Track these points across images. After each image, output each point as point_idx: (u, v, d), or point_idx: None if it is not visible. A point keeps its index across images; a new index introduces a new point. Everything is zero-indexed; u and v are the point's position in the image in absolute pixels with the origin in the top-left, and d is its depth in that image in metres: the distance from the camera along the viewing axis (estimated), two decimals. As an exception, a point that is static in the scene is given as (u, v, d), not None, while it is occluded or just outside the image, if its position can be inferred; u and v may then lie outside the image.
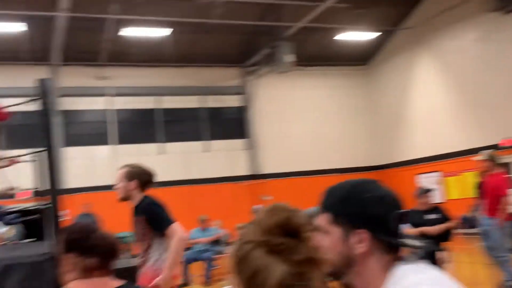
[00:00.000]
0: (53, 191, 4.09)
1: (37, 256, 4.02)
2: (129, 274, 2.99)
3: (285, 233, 0.99)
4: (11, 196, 8.01)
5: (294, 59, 15.14)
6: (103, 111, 15.98)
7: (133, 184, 3.59)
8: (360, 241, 1.20)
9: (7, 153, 4.33)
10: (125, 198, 3.63)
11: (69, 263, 1.97)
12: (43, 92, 4.24)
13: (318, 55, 17.43)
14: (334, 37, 16.56)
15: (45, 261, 3.94)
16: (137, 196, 3.60)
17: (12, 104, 4.55)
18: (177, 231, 3.43)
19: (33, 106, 4.80)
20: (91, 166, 15.26)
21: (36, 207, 8.07)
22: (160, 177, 15.47)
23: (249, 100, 17.49)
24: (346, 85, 18.58)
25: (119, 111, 16.12)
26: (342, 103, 18.48)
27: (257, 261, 0.96)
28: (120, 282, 2.03)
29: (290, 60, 15.07)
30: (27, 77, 14.08)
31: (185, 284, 9.04)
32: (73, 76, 15.19)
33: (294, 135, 17.52)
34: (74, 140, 15.14)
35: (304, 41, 15.97)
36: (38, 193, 7.59)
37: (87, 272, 1.95)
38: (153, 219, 3.48)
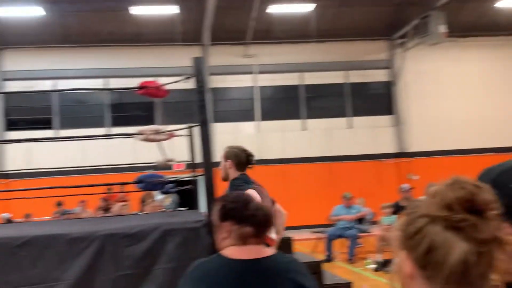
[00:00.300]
0: (206, 163, 4.29)
1: (193, 222, 4.27)
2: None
3: (468, 209, 0.88)
4: (168, 167, 8.69)
5: (446, 29, 14.12)
6: (248, 88, 16.52)
7: (229, 164, 3.74)
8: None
9: (165, 128, 4.64)
10: (225, 178, 3.81)
11: (226, 230, 2.05)
12: (197, 71, 4.43)
13: (474, 25, 16.05)
14: (494, 4, 15.09)
15: (200, 227, 4.18)
16: (233, 175, 3.75)
17: (168, 82, 4.85)
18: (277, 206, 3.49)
19: (187, 84, 5.08)
20: (237, 142, 15.92)
21: (189, 178, 8.65)
22: (302, 153, 15.69)
23: (396, 74, 16.79)
24: (506, 57, 16.89)
25: (262, 88, 16.54)
26: (500, 76, 16.86)
27: (434, 236, 0.88)
28: (272, 251, 2.07)
29: (442, 31, 14.09)
30: (180, 57, 15.15)
31: (328, 260, 9.06)
32: (220, 55, 15.90)
33: (443, 111, 16.46)
34: (221, 116, 15.91)
35: (458, 10, 14.81)
36: (191, 166, 8.09)
37: (242, 240, 2.01)
38: None
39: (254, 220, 2.00)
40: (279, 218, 3.75)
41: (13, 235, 4.18)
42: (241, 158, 3.77)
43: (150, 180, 4.37)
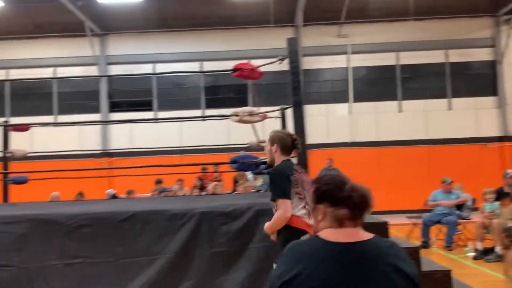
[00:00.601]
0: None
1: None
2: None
3: None
4: (260, 148, 8.81)
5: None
6: (341, 69, 16.22)
7: (274, 148, 3.70)
8: None
9: (258, 110, 4.68)
10: (271, 162, 3.78)
11: (321, 213, 2.01)
12: (291, 52, 4.42)
13: None
14: None
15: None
16: (278, 160, 3.71)
17: (262, 64, 4.87)
18: (282, 208, 3.43)
19: (280, 66, 5.08)
20: (329, 124, 15.76)
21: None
22: (397, 135, 15.16)
23: (501, 53, 15.65)
24: None
25: (356, 68, 16.16)
26: None
27: None
28: (371, 235, 2.01)
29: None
30: (273, 39, 15.18)
31: (425, 246, 8.75)
32: (313, 36, 15.73)
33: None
34: (313, 98, 15.79)
35: None
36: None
37: (338, 222, 1.97)
38: (271, 185, 3.57)
39: (349, 202, 1.95)
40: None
41: (118, 210, 4.45)
42: (287, 142, 3.72)
43: (243, 160, 4.44)
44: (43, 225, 4.24)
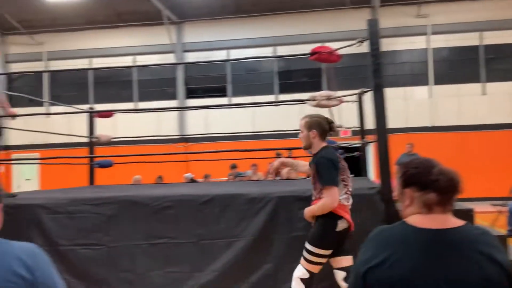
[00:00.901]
0: (380, 130, 4.18)
1: (367, 189, 4.23)
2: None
3: None
4: (336, 134, 8.70)
5: None
6: (421, 51, 15.62)
7: (312, 133, 3.67)
8: None
9: (335, 94, 4.60)
10: (307, 147, 3.76)
11: (408, 197, 1.97)
12: (372, 33, 4.30)
13: None
14: None
15: (374, 194, 4.12)
16: (317, 145, 3.69)
17: (341, 47, 4.78)
18: (330, 196, 3.48)
19: (354, 49, 4.97)
20: (407, 107, 15.27)
21: (358, 144, 8.55)
22: (481, 119, 14.44)
23: None
24: None
25: (436, 49, 15.51)
26: None
27: None
28: (462, 222, 1.93)
29: None
30: (348, 21, 14.88)
31: (511, 235, 8.32)
32: (391, 17, 15.22)
33: None
34: (391, 81, 15.34)
35: None
36: (358, 132, 7.97)
37: (426, 207, 1.91)
38: (319, 172, 3.56)
39: (437, 186, 1.88)
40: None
41: (199, 193, 4.57)
42: (325, 127, 3.72)
43: (321, 145, 4.38)
44: (130, 206, 4.44)
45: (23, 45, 16.50)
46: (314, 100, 4.42)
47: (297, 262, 4.13)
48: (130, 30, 16.71)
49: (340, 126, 6.81)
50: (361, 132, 7.75)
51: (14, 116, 5.67)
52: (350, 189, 3.69)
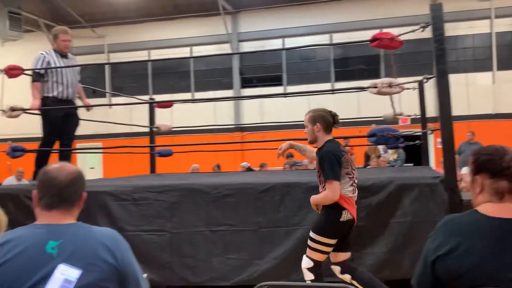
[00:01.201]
0: (444, 117, 4.08)
1: (431, 178, 4.14)
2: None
3: None
4: (395, 121, 8.53)
5: None
6: (483, 35, 14.98)
7: (317, 127, 3.74)
8: None
9: (397, 81, 4.51)
10: (312, 141, 3.83)
11: (479, 184, 1.93)
12: (435, 18, 4.18)
13: None
14: None
15: (438, 183, 4.03)
16: (322, 139, 3.76)
17: (402, 33, 4.67)
18: (331, 189, 3.56)
19: (412, 35, 4.84)
20: (469, 94, 14.72)
21: (418, 133, 8.34)
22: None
23: None
24: None
25: (500, 34, 14.83)
26: None
27: None
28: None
29: None
30: (405, 6, 14.46)
31: None
32: (452, 1, 14.65)
33: None
34: (451, 67, 14.77)
35: None
36: (418, 120, 7.78)
37: (498, 195, 1.87)
38: (322, 166, 3.64)
39: (509, 173, 1.83)
40: None
41: (258, 181, 4.62)
42: (329, 120, 3.77)
43: (383, 133, 4.32)
44: (191, 194, 4.55)
45: (85, 38, 17.07)
46: (375, 87, 4.35)
47: (358, 252, 4.12)
48: (187, 21, 16.95)
49: (401, 114, 6.68)
50: (422, 120, 7.57)
51: (90, 106, 5.94)
52: (356, 181, 3.76)
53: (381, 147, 11.12)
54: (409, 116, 7.84)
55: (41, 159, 5.37)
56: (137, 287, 1.85)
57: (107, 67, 17.58)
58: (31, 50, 15.99)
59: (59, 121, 5.45)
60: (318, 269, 3.67)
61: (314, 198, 3.74)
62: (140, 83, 17.42)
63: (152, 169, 8.43)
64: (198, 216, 4.48)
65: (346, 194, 3.62)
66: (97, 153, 16.16)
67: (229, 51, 16.48)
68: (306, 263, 3.69)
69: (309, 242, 3.68)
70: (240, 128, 15.70)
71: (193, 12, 16.72)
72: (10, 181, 10.63)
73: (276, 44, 16.40)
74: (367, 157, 11.68)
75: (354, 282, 3.61)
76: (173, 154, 8.37)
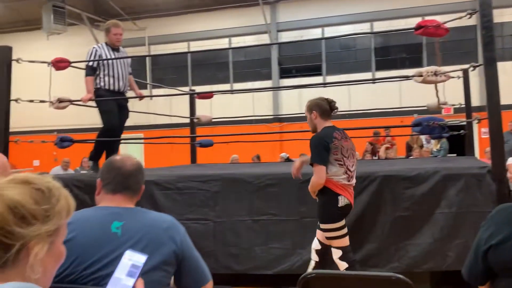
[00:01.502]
0: (492, 107, 3.99)
1: (477, 168, 4.06)
2: None
3: None
4: (439, 111, 8.35)
5: None
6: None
7: (313, 115, 3.88)
8: None
9: (442, 69, 4.41)
10: (313, 130, 3.94)
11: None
12: (484, 4, 4.06)
13: None
14: None
15: (485, 174, 3.94)
16: (320, 125, 3.88)
17: (447, 20, 4.56)
18: (316, 173, 3.65)
19: (455, 23, 4.71)
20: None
21: (462, 123, 8.16)
22: None
23: None
24: None
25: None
26: None
27: None
28: None
29: None
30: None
31: None
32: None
33: None
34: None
35: None
36: (459, 109, 7.61)
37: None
38: (311, 150, 3.74)
39: None
40: None
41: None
42: (324, 107, 3.86)
43: (428, 123, 4.24)
44: (234, 183, 4.60)
45: (127, 31, 17.27)
46: (420, 75, 4.27)
47: (402, 242, 4.08)
48: (225, 12, 17.01)
49: (445, 103, 6.54)
50: (467, 109, 7.40)
51: (142, 97, 6.10)
52: (351, 169, 3.74)
53: (423, 137, 10.91)
54: (453, 105, 7.67)
55: (100, 149, 5.64)
56: (197, 269, 1.94)
57: (147, 59, 17.85)
58: (75, 43, 16.49)
59: (115, 109, 5.58)
60: (348, 255, 3.69)
61: (309, 186, 3.80)
62: (180, 75, 17.61)
63: (193, 159, 8.54)
64: (240, 205, 4.53)
65: (339, 181, 3.65)
66: (139, 143, 16.48)
67: (268, 42, 16.44)
68: (335, 254, 3.71)
69: (325, 234, 3.73)
70: (278, 119, 15.68)
71: (231, 3, 16.74)
72: (56, 171, 10.99)
73: (315, 33, 16.26)
74: (409, 148, 11.50)
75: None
76: (213, 144, 8.46)
